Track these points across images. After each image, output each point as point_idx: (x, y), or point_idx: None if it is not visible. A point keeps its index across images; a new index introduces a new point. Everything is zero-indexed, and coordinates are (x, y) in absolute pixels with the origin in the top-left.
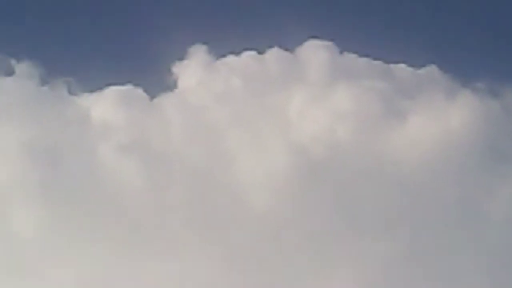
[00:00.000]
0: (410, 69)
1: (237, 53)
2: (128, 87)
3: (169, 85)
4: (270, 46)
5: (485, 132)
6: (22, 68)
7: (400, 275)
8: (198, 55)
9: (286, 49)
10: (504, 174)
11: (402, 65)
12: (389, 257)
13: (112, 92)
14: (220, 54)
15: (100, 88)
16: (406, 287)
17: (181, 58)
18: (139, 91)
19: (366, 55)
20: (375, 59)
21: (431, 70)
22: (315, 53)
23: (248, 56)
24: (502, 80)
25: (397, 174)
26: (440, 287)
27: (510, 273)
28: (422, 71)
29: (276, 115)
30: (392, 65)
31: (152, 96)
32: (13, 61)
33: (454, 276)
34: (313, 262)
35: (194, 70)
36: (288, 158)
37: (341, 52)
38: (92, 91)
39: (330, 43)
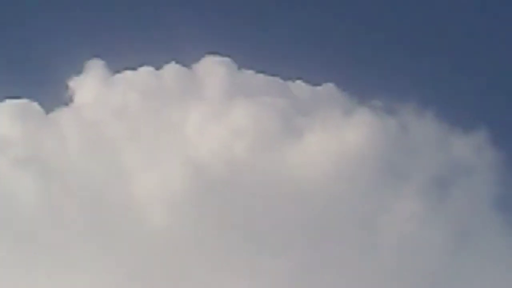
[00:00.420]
0: (308, 86)
1: (134, 68)
2: (24, 101)
3: (65, 100)
4: (167, 62)
5: (381, 149)
6: None
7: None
8: (94, 69)
9: (184, 65)
10: (400, 190)
11: (300, 82)
12: (287, 272)
13: (7, 105)
14: (117, 69)
15: None
16: None
17: (78, 73)
18: (35, 105)
19: (264, 72)
20: (273, 75)
21: (329, 87)
22: (213, 69)
23: (145, 71)
24: (398, 97)
25: (295, 191)
26: None
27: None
28: (320, 88)
29: (173, 131)
30: (290, 82)
31: (48, 111)
32: None
33: None
34: (210, 278)
35: (90, 85)
36: (186, 174)
37: (239, 68)
38: None
39: (227, 59)
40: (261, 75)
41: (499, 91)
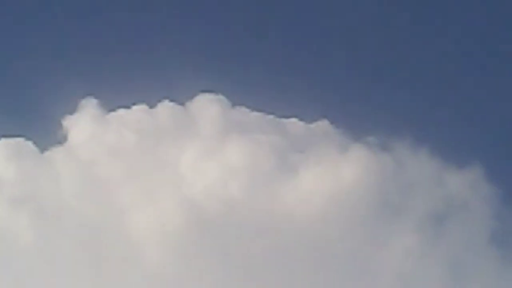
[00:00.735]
0: (302, 123)
1: (128, 106)
2: (18, 140)
3: (60, 139)
4: (161, 100)
5: (377, 185)
6: None
7: None
8: (88, 108)
9: (178, 103)
10: (396, 226)
11: (294, 120)
12: None
13: (2, 144)
14: (111, 108)
15: None
16: None
17: (72, 111)
18: (29, 143)
19: (258, 109)
20: (267, 113)
21: (323, 124)
22: (207, 106)
23: (139, 109)
24: (393, 134)
25: (290, 228)
26: None
27: None
28: (314, 125)
29: (168, 169)
30: (284, 120)
31: (43, 149)
32: None
33: None
34: None
35: (84, 124)
36: (181, 213)
37: (232, 106)
38: None
39: (221, 97)
40: (255, 113)
41: (493, 127)
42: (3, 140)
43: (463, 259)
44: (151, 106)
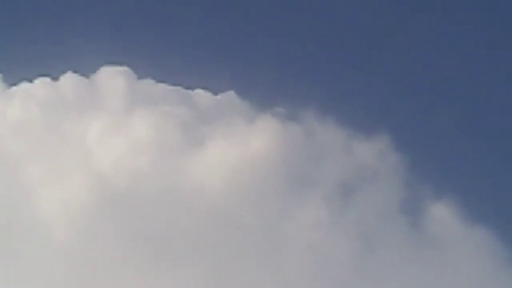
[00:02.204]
0: (209, 94)
1: (30, 80)
2: None
3: None
4: (64, 72)
5: (285, 156)
6: None
7: None
8: None
9: (82, 75)
10: (304, 197)
11: (201, 91)
12: (190, 285)
13: None
14: (13, 82)
15: None
16: None
17: None
18: None
19: (164, 81)
20: (173, 84)
21: (230, 96)
22: (112, 79)
23: (42, 82)
24: (299, 104)
25: (198, 201)
26: None
27: None
28: (220, 97)
29: (74, 144)
30: (190, 91)
31: None
32: None
33: None
34: None
35: None
36: (88, 189)
37: (138, 78)
38: None
39: (126, 68)
40: (161, 84)
41: (399, 94)
42: None
43: (373, 229)
44: (54, 78)
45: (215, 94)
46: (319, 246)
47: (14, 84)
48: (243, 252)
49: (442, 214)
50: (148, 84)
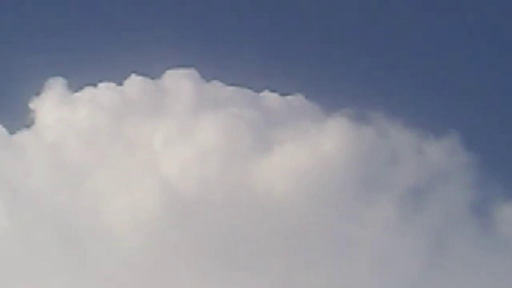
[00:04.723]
0: (277, 96)
1: (94, 84)
2: None
3: (28, 121)
4: (129, 76)
5: (355, 158)
6: None
7: None
8: (55, 88)
9: (147, 79)
10: (375, 199)
11: (269, 93)
12: None
13: None
14: (78, 87)
15: None
16: None
17: (38, 93)
18: None
19: (232, 83)
20: (241, 87)
21: (298, 98)
22: (178, 82)
23: (107, 87)
24: (368, 105)
25: (269, 205)
26: None
27: None
28: (289, 98)
29: (140, 150)
30: (258, 93)
31: (11, 132)
32: None
33: None
34: None
35: (51, 105)
36: (156, 196)
37: (205, 81)
38: None
39: (193, 71)
40: (228, 87)
41: (468, 94)
42: None
43: (443, 231)
44: (119, 83)
45: (284, 96)
46: (389, 249)
47: (79, 90)
48: (312, 257)
49: None
50: (215, 86)
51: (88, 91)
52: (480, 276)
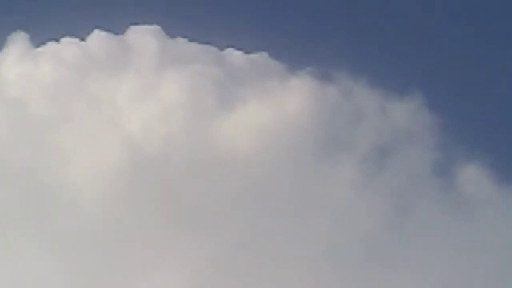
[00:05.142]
0: (241, 54)
1: (57, 39)
2: None
3: None
4: (92, 31)
5: (319, 117)
6: None
7: (236, 270)
8: (17, 43)
9: (110, 34)
10: (339, 158)
11: (233, 50)
12: (224, 246)
13: None
14: (40, 42)
15: None
16: (241, 283)
17: (0, 48)
18: None
19: (196, 40)
20: (205, 43)
21: (262, 56)
22: (142, 38)
23: (69, 42)
24: (332, 65)
25: (232, 163)
26: (276, 281)
27: (339, 261)
28: (252, 56)
29: (104, 106)
30: (223, 51)
31: None
32: None
33: (290, 267)
34: (146, 255)
35: (14, 60)
36: (119, 151)
37: (169, 37)
38: None
39: (157, 27)
40: (193, 44)
41: (431, 54)
42: None
43: (405, 190)
44: (82, 38)
45: (248, 54)
46: (352, 208)
47: (41, 45)
48: (275, 214)
49: (475, 175)
50: (179, 43)
51: (50, 46)
52: (441, 236)
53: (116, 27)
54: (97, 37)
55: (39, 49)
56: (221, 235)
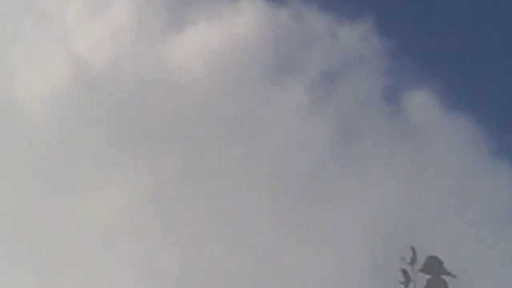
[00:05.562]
0: None
1: None
2: None
3: None
4: None
5: (269, 41)
6: None
7: (176, 192)
8: None
9: None
10: (288, 84)
11: None
12: (165, 170)
13: None
14: None
15: None
16: (180, 206)
17: None
18: None
19: None
20: None
21: None
22: None
23: None
24: None
25: (182, 84)
26: (218, 202)
27: (283, 184)
28: None
29: (53, 24)
30: None
31: None
32: None
33: (232, 190)
34: (87, 177)
35: None
36: (68, 71)
37: None
38: None
39: None
40: None
41: None
42: None
43: (353, 116)
44: None
45: None
46: (299, 132)
47: None
48: (221, 138)
49: (423, 102)
50: None
51: None
52: (388, 161)
53: None
54: None
55: None
56: (165, 156)
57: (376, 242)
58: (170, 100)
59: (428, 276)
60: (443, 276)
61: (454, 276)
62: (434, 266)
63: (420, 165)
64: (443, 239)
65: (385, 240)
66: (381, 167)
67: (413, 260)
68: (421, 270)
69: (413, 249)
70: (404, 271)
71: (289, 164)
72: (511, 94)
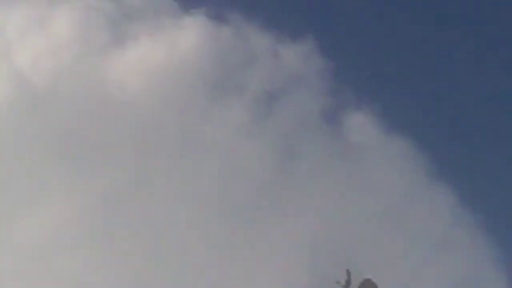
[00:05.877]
0: None
1: None
2: None
3: None
4: None
5: (211, 58)
6: None
7: (114, 208)
8: None
9: None
10: (229, 102)
11: None
12: (111, 186)
13: None
14: None
15: None
16: (118, 221)
17: None
18: None
19: None
20: None
21: None
22: None
23: None
24: (225, 6)
25: (121, 100)
26: (164, 218)
27: (225, 200)
28: None
29: None
30: None
31: None
32: None
33: (177, 203)
34: (24, 192)
35: None
36: (8, 84)
37: None
38: None
39: None
40: None
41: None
42: None
43: (294, 135)
44: None
45: None
46: (239, 151)
47: None
48: (163, 154)
49: (362, 122)
50: None
51: None
52: (327, 181)
53: None
54: None
55: None
56: (105, 172)
57: (313, 265)
58: (111, 115)
59: None
60: None
61: None
62: None
63: (359, 185)
64: (380, 259)
65: (322, 262)
66: (320, 186)
67: (348, 283)
68: None
69: (348, 272)
70: None
71: (230, 180)
72: (451, 120)
